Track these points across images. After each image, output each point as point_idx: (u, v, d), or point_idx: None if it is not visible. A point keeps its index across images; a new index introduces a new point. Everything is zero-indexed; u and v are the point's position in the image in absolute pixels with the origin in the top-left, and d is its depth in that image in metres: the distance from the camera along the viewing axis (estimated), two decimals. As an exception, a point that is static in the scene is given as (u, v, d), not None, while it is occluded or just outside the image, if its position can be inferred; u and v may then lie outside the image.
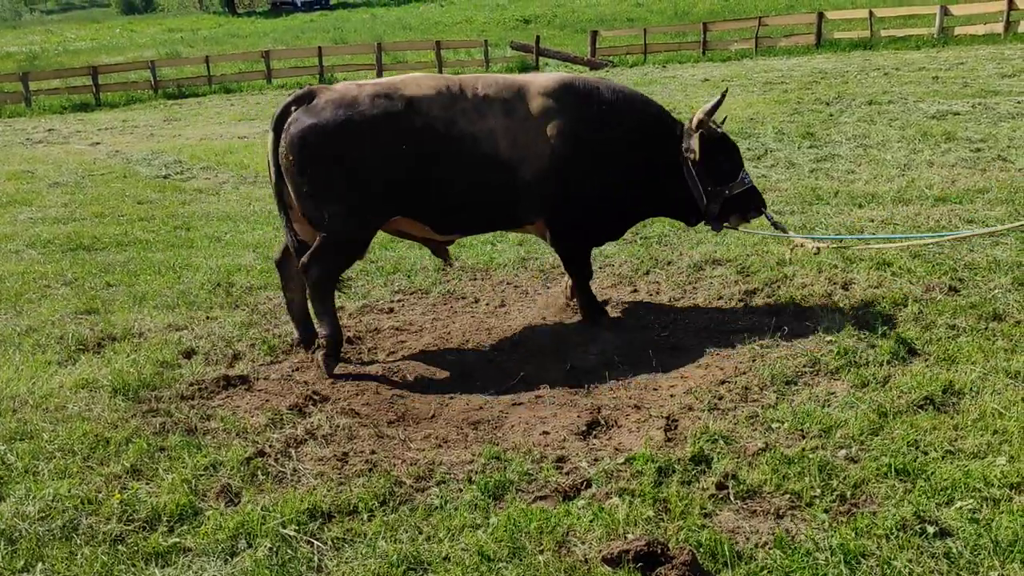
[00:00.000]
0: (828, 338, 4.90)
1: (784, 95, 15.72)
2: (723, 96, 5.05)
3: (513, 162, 4.93)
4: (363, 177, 4.76)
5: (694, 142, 5.16)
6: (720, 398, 4.29)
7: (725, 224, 5.40)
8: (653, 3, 43.04)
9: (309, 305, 5.11)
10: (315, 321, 5.04)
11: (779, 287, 5.82)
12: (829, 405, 4.09)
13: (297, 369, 5.03)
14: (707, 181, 5.21)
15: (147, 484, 3.73)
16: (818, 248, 5.27)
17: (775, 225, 5.48)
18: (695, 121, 5.15)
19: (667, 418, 4.12)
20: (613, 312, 5.66)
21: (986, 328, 4.83)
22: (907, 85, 15.73)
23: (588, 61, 25.81)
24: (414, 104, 4.80)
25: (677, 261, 6.55)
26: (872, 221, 7.23)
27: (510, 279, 6.49)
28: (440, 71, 26.64)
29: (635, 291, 6.05)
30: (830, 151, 10.47)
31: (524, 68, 26.22)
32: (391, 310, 5.98)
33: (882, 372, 4.38)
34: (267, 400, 4.59)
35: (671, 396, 4.41)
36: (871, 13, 24.86)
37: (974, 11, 24.29)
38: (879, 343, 4.72)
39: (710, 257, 6.54)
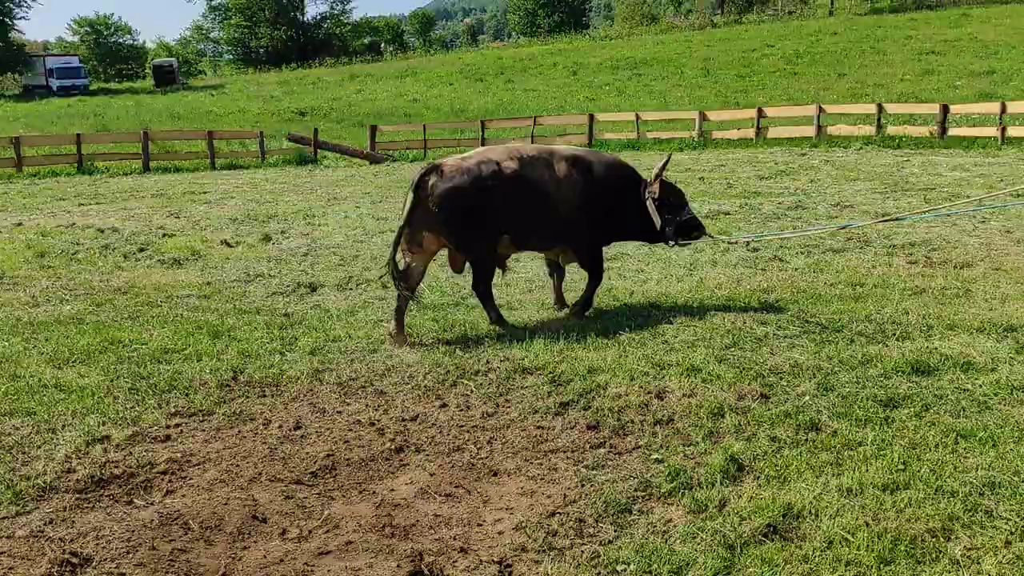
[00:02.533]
0: (654, 456, 4.66)
1: (565, 193, 16.02)
2: (669, 157, 7.84)
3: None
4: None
5: (655, 187, 7.58)
6: (554, 534, 3.89)
7: (679, 242, 7.74)
8: (429, 100, 43.86)
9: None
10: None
11: (594, 397, 5.57)
12: (671, 538, 3.79)
13: (50, 522, 4.18)
14: (663, 212, 7.57)
15: None
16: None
17: (711, 236, 8.08)
18: (655, 174, 7.55)
19: (500, 563, 3.67)
20: (423, 432, 5.19)
21: (806, 440, 4.75)
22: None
23: (368, 155, 25.59)
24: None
25: (485, 370, 6.19)
26: (671, 323, 7.21)
27: (304, 395, 5.88)
28: (212, 163, 25.54)
29: (444, 405, 5.61)
30: (619, 249, 10.59)
31: (302, 160, 25.63)
32: (167, 438, 5.20)
33: (716, 494, 4.15)
34: (10, 569, 3.73)
35: (499, 533, 3.97)
36: (637, 116, 26.31)
37: (727, 117, 26.26)
38: (706, 460, 4.53)
39: (519, 365, 6.23)
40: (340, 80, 57.38)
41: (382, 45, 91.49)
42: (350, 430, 5.25)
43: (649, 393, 5.58)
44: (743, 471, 4.42)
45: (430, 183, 6.90)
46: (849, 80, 38.50)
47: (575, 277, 8.36)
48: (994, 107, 21.78)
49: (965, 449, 4.56)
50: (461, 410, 5.53)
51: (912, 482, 4.16)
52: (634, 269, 9.58)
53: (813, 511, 3.92)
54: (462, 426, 5.26)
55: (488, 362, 6.37)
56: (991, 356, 6.04)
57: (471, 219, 6.94)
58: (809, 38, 52.23)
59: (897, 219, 10.83)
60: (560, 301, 7.97)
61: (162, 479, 4.66)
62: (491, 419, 5.36)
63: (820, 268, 9.23)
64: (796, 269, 9.28)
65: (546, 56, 57.93)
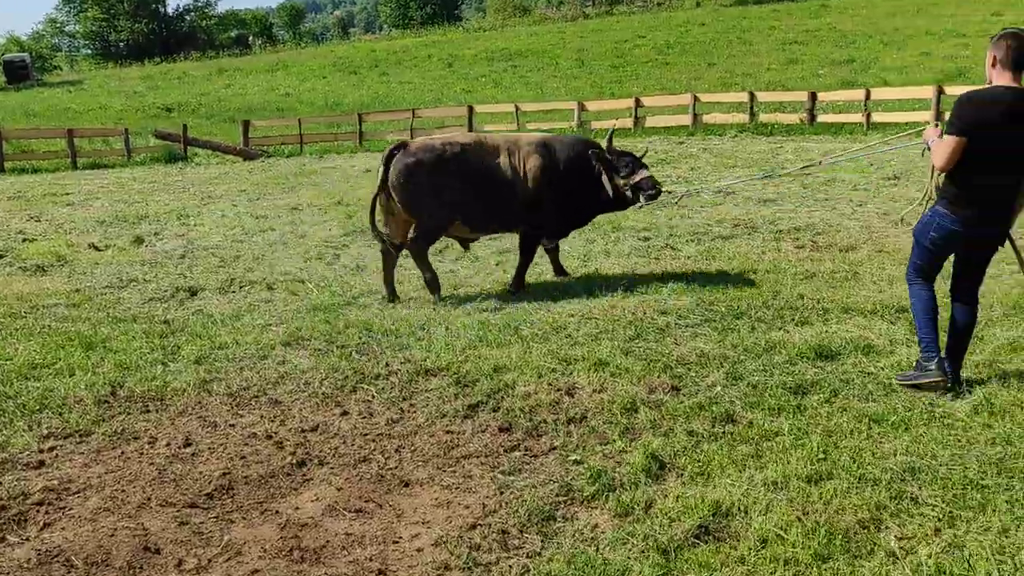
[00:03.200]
0: (572, 457, 4.49)
1: (450, 185, 15.77)
2: (612, 131, 9.31)
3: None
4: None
5: (600, 157, 8.06)
6: (477, 548, 3.66)
7: (639, 204, 8.12)
8: (303, 94, 42.80)
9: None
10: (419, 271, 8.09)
11: (503, 398, 5.37)
12: (601, 545, 3.62)
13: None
14: (615, 178, 8.04)
15: None
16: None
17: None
18: (604, 147, 8.13)
19: (423, 584, 3.42)
20: (326, 444, 4.87)
21: (724, 432, 4.67)
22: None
23: (241, 151, 24.72)
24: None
25: (386, 374, 5.91)
26: (573, 316, 7.08)
27: (193, 408, 5.48)
28: (74, 162, 24.22)
29: (346, 413, 5.30)
30: (510, 243, 10.42)
31: (172, 158, 24.56)
32: (41, 464, 4.73)
33: (642, 495, 4.00)
34: None
35: (418, 551, 3.71)
36: (516, 107, 26.24)
37: (605, 107, 26.45)
38: (627, 459, 4.38)
39: (421, 367, 5.97)
40: (208, 74, 55.42)
41: (250, 38, 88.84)
42: (246, 444, 4.90)
43: (559, 390, 5.41)
44: (665, 469, 4.29)
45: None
46: (719, 70, 39.42)
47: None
48: (858, 94, 22.55)
49: (880, 434, 4.55)
50: (364, 418, 5.23)
51: (835, 471, 4.11)
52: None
53: (742, 508, 3.82)
54: (367, 435, 4.97)
55: (388, 365, 6.09)
56: (888, 338, 6.12)
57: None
58: (679, 29, 53.31)
59: (818, 164, 10.94)
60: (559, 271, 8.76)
61: (38, 511, 4.22)
62: (397, 426, 5.09)
63: (712, 255, 9.27)
64: (688, 257, 9.30)
65: (420, 48, 57.37)
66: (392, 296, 8.05)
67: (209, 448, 4.88)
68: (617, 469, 4.30)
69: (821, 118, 22.62)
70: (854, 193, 12.56)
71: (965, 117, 4.68)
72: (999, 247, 5.02)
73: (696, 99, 24.33)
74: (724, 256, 9.19)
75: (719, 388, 5.30)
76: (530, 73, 44.59)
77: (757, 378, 5.44)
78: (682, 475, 4.21)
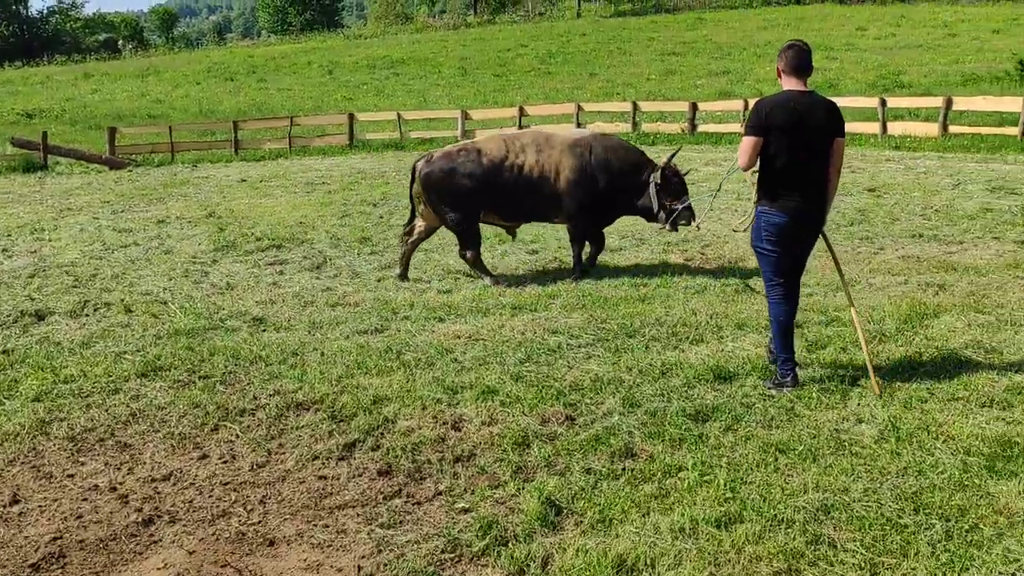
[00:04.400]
0: (460, 504, 4.05)
1: (329, 196, 15.16)
2: (678, 149, 10.06)
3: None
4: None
5: (658, 175, 8.32)
6: (351, 624, 3.18)
7: (666, 228, 8.43)
8: (176, 100, 41.12)
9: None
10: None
11: (383, 434, 4.88)
12: (493, 614, 3.19)
13: None
14: (663, 198, 8.32)
15: None
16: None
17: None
18: (663, 163, 8.34)
19: (285, 675, 2.92)
20: (179, 495, 4.29)
21: (623, 469, 4.30)
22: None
23: (107, 160, 23.37)
24: None
25: (252, 409, 5.34)
26: (459, 337, 6.64)
27: (26, 456, 4.80)
28: (-81, 170, 22.44)
29: (204, 457, 4.72)
30: (392, 257, 9.93)
31: (30, 167, 23.02)
32: None
33: (538, 549, 3.59)
34: None
35: (282, 629, 3.21)
36: (399, 115, 25.67)
37: (490, 116, 26.17)
38: (520, 505, 3.97)
39: (292, 400, 5.42)
40: (73, 79, 52.75)
41: (120, 42, 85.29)
42: (85, 500, 4.28)
43: (444, 424, 4.96)
44: (562, 515, 3.89)
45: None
46: (600, 79, 39.71)
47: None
48: (737, 104, 22.89)
49: (787, 466, 4.26)
50: (225, 462, 4.67)
51: (745, 513, 3.78)
52: (412, 278, 8.93)
53: (649, 562, 3.44)
54: (227, 483, 4.41)
55: (256, 398, 5.52)
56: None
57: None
58: (560, 38, 53.65)
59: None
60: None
61: None
62: (263, 471, 4.54)
63: (600, 268, 8.97)
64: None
65: (300, 55, 56.07)
66: (404, 274, 8.86)
67: (41, 506, 4.23)
68: (510, 517, 3.88)
69: (701, 127, 22.86)
70: (738, 203, 12.52)
71: (759, 119, 5.17)
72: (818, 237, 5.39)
73: (580, 108, 24.29)
74: (613, 269, 8.91)
75: (616, 417, 4.94)
76: (413, 81, 44.05)
77: (655, 404, 5.11)
78: (581, 522, 3.81)
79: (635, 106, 23.74)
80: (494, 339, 6.56)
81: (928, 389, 5.19)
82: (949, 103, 19.16)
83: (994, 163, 15.56)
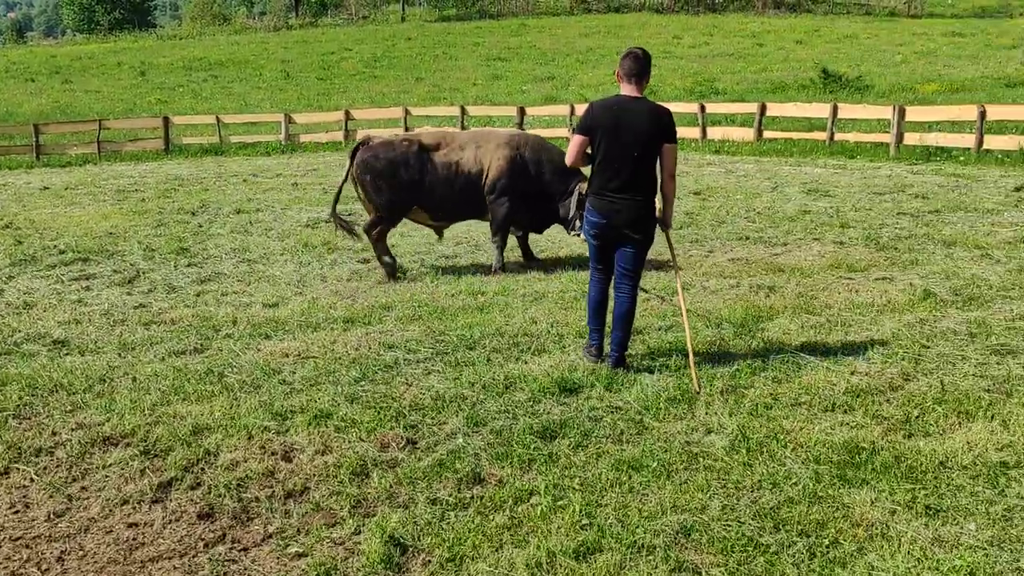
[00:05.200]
0: (293, 548, 3.64)
1: (143, 204, 14.19)
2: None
3: None
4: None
5: (584, 186, 7.97)
6: None
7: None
8: (-33, 101, 37.94)
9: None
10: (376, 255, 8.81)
11: (203, 470, 4.39)
12: None
13: None
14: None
15: None
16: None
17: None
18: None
19: None
20: (-42, 558, 3.68)
21: (472, 498, 4.00)
22: (269, 192, 15.34)
23: None
24: None
25: (51, 447, 4.71)
26: (288, 356, 6.19)
27: None
28: None
29: (-9, 509, 4.10)
30: (213, 269, 9.29)
31: None
32: None
33: (383, 597, 3.24)
34: None
35: None
36: (218, 119, 24.54)
37: (314, 120, 25.42)
38: (361, 545, 3.60)
39: (98, 434, 4.83)
40: None
41: (-98, 40, 78.37)
42: None
43: (274, 455, 4.52)
44: (408, 554, 3.55)
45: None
46: (427, 84, 39.47)
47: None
48: (563, 109, 23.12)
49: (642, 484, 4.08)
50: (16, 512, 4.06)
51: (604, 540, 3.55)
52: (235, 291, 8.34)
53: (507, 604, 3.16)
54: (18, 539, 3.82)
55: (55, 434, 4.89)
56: (631, 364, 5.76)
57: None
58: (385, 42, 53.11)
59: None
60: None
61: None
62: (61, 522, 3.97)
63: (437, 277, 8.67)
64: (412, 280, 8.64)
65: (108, 55, 53.07)
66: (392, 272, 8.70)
67: None
68: (350, 561, 3.50)
69: (530, 132, 22.98)
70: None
71: (586, 119, 5.49)
72: (647, 240, 5.58)
73: (408, 112, 23.95)
74: (450, 276, 8.62)
75: (461, 438, 4.65)
76: (233, 84, 42.43)
77: (501, 422, 4.85)
78: (429, 562, 3.49)
79: (463, 110, 23.62)
80: (326, 356, 6.14)
81: (772, 395, 5.16)
82: (763, 109, 20.00)
83: (806, 166, 16.29)
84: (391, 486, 4.13)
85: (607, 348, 5.83)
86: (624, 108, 5.38)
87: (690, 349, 5.53)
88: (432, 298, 7.80)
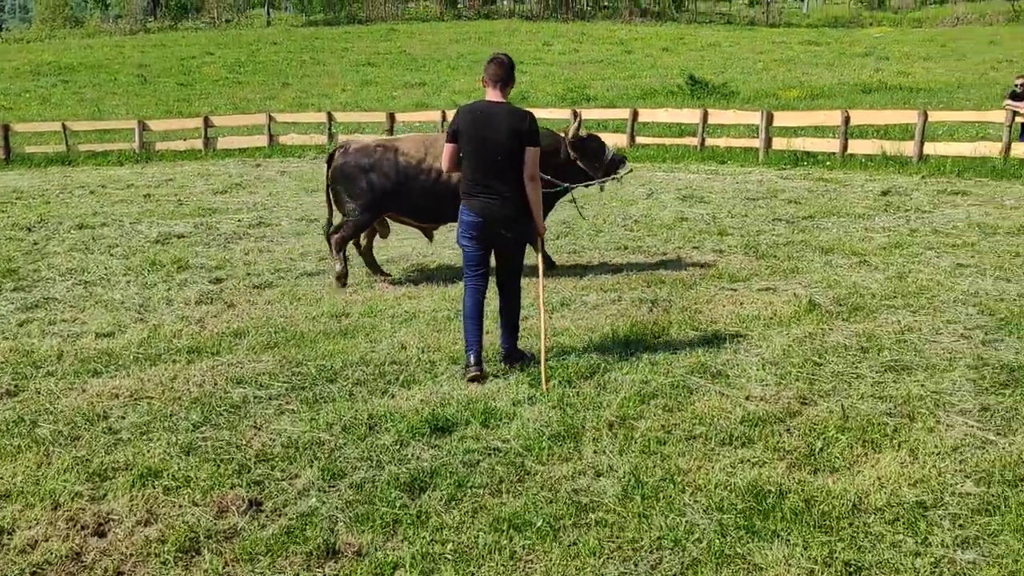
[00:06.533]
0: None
1: (-30, 221, 12.85)
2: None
3: None
4: None
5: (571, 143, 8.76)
6: None
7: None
8: None
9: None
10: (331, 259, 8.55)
11: (-7, 554, 3.59)
12: None
13: None
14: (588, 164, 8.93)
15: None
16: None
17: None
18: (570, 135, 8.87)
19: None
20: None
21: None
22: (118, 204, 14.19)
23: None
24: None
25: None
26: (118, 396, 5.37)
27: None
28: None
29: None
30: (42, 294, 8.27)
31: None
32: None
33: None
34: None
35: None
36: (64, 126, 22.90)
37: (172, 127, 24.07)
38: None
39: None
40: None
41: None
42: None
43: (83, 529, 3.75)
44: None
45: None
46: (294, 90, 38.27)
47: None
48: (435, 115, 22.52)
49: (525, 549, 3.51)
50: None
51: (482, 629, 2.97)
52: (65, 319, 7.39)
53: None
54: None
55: None
56: (510, 398, 5.20)
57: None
58: (250, 47, 51.41)
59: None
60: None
61: None
62: None
63: (297, 297, 7.93)
64: (269, 301, 7.86)
65: (-55, 58, 49.60)
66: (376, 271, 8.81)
67: None
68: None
69: (401, 139, 22.32)
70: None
71: (453, 124, 5.61)
72: (522, 239, 5.64)
73: (272, 119, 22.89)
74: (309, 298, 7.89)
75: (314, 497, 3.98)
76: (85, 89, 40.16)
77: (362, 474, 4.21)
78: (266, 673, 2.83)
79: (330, 116, 22.74)
80: (163, 396, 5.36)
81: (663, 427, 4.69)
82: (635, 115, 19.90)
83: (679, 172, 16.19)
84: (224, 567, 3.43)
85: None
86: (487, 113, 5.47)
87: (543, 347, 5.49)
88: (290, 322, 7.07)
